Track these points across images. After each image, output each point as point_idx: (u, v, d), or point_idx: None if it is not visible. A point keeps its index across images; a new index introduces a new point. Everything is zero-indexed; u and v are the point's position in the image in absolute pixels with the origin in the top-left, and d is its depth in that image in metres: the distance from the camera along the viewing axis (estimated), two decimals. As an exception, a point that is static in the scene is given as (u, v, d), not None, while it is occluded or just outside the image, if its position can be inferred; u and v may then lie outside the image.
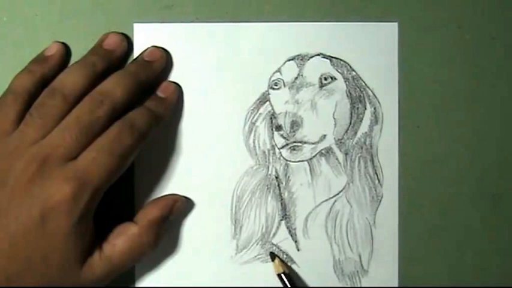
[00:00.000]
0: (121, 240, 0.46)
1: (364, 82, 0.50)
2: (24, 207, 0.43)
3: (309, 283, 0.50)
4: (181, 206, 0.49)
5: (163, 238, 0.48)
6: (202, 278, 0.50)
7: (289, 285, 0.48)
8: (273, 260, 0.50)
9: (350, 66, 0.50)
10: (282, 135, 0.50)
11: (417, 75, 0.51)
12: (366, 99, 0.50)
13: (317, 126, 0.50)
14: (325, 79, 0.50)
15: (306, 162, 0.50)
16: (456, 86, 0.51)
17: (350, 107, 0.50)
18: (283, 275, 0.49)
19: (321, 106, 0.50)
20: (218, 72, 0.50)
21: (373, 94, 0.50)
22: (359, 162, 0.50)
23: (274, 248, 0.50)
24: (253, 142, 0.50)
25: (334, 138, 0.50)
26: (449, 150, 0.51)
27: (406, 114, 0.51)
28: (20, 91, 0.46)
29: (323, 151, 0.50)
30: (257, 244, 0.50)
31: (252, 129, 0.50)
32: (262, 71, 0.50)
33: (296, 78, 0.50)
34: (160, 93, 0.49)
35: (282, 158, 0.50)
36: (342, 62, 0.50)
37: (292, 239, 0.50)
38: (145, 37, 0.50)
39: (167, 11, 0.50)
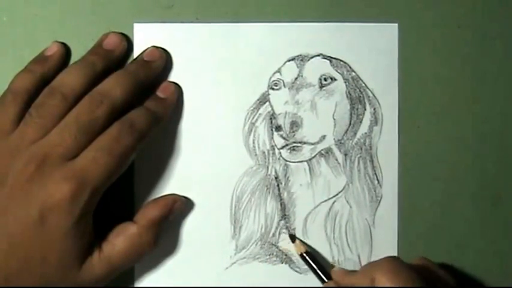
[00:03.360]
0: (120, 240, 0.46)
1: (364, 83, 0.50)
2: (23, 207, 0.43)
3: (308, 283, 0.50)
4: (181, 206, 0.49)
5: (163, 238, 0.49)
6: (202, 278, 0.50)
7: (313, 264, 0.48)
8: (293, 241, 0.50)
9: (350, 67, 0.50)
10: (281, 136, 0.50)
11: (417, 75, 0.51)
12: (366, 100, 0.50)
13: (317, 126, 0.50)
14: (325, 80, 0.50)
15: (305, 163, 0.50)
16: (456, 86, 0.51)
17: (350, 107, 0.50)
18: (305, 254, 0.49)
19: (320, 107, 0.50)
20: (218, 72, 0.50)
21: (373, 95, 0.50)
22: (358, 162, 0.50)
23: (273, 248, 0.50)
24: (253, 142, 0.50)
25: (334, 139, 0.50)
26: (449, 150, 0.51)
27: (406, 114, 0.51)
28: (19, 91, 0.46)
29: (323, 152, 0.50)
30: (256, 244, 0.50)
31: (251, 130, 0.50)
32: (262, 71, 0.50)
33: (296, 78, 0.50)
34: (160, 93, 0.49)
35: (281, 159, 0.50)
36: (341, 63, 0.50)
37: (292, 240, 0.50)
38: (145, 37, 0.50)
39: (167, 11, 0.50)
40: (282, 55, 0.50)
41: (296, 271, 0.50)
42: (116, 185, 0.45)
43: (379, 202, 0.50)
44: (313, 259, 0.49)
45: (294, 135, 0.50)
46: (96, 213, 0.45)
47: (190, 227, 0.50)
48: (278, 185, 0.50)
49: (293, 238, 0.50)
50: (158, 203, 0.48)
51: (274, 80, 0.50)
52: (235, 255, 0.50)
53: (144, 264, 0.50)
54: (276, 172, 0.50)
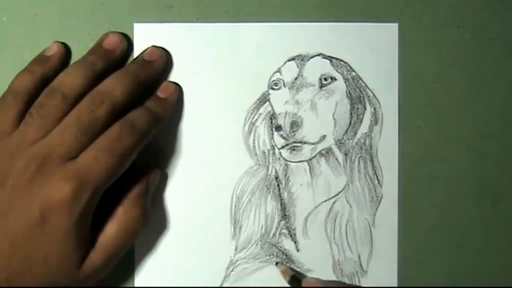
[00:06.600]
0: (110, 225, 0.46)
1: (364, 82, 0.50)
2: (24, 207, 0.43)
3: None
4: (157, 176, 0.49)
5: (163, 238, 0.49)
6: (202, 278, 0.50)
7: None
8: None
9: (350, 67, 0.50)
10: (281, 136, 0.50)
11: (417, 75, 0.51)
12: (366, 100, 0.50)
13: (317, 126, 0.50)
14: (325, 79, 0.50)
15: (305, 163, 0.50)
16: (456, 86, 0.51)
17: (350, 107, 0.50)
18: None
19: (320, 106, 0.50)
20: (218, 72, 0.50)
21: (373, 94, 0.50)
22: (359, 162, 0.50)
23: (273, 248, 0.50)
24: (253, 142, 0.50)
25: (334, 139, 0.50)
26: (449, 150, 0.51)
27: (406, 114, 0.51)
28: (20, 91, 0.46)
29: (323, 151, 0.50)
30: (256, 244, 0.50)
31: (251, 130, 0.50)
32: (262, 71, 0.50)
33: (296, 78, 0.50)
34: (160, 93, 0.49)
35: (281, 158, 0.50)
36: (342, 63, 0.50)
37: (292, 240, 0.50)
38: (145, 37, 0.50)
39: (167, 11, 0.50)
40: (282, 55, 0.50)
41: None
42: (115, 185, 0.45)
43: (379, 202, 0.50)
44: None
45: (294, 135, 0.50)
46: (96, 213, 0.45)
47: (190, 227, 0.50)
48: (278, 185, 0.50)
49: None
50: (136, 181, 0.48)
51: (274, 80, 0.50)
52: (235, 256, 0.50)
53: (144, 264, 0.50)
54: (276, 172, 0.50)
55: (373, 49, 0.50)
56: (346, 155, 0.50)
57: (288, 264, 0.50)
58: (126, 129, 0.45)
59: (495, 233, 0.51)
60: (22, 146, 0.44)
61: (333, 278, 0.50)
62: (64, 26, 0.50)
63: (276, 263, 0.50)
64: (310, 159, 0.50)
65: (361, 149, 0.50)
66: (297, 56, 0.50)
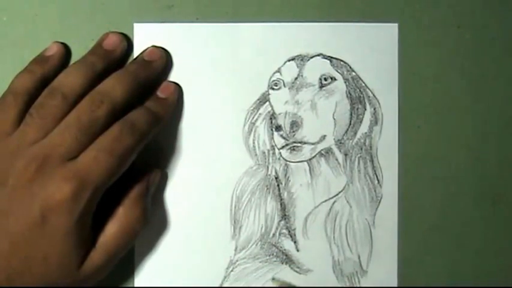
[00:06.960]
0: (110, 225, 0.46)
1: (364, 83, 0.50)
2: (24, 207, 0.43)
3: (308, 284, 0.50)
4: (157, 176, 0.49)
5: (163, 238, 0.49)
6: (202, 278, 0.50)
7: None
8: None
9: (350, 67, 0.50)
10: (281, 136, 0.50)
11: (417, 75, 0.51)
12: (366, 100, 0.50)
13: (317, 126, 0.50)
14: (325, 79, 0.50)
15: (305, 163, 0.50)
16: (456, 86, 0.51)
17: (350, 107, 0.50)
18: None
19: (320, 106, 0.50)
20: (218, 72, 0.50)
21: (373, 95, 0.50)
22: (359, 162, 0.50)
23: (273, 248, 0.50)
24: (253, 142, 0.50)
25: (334, 139, 0.50)
26: (449, 150, 0.51)
27: (406, 114, 0.51)
28: (20, 91, 0.46)
29: (323, 151, 0.50)
30: (256, 244, 0.50)
31: (251, 130, 0.50)
32: (262, 71, 0.50)
33: (296, 78, 0.50)
34: (160, 93, 0.49)
35: (281, 159, 0.50)
36: (342, 63, 0.50)
37: (292, 240, 0.50)
38: (145, 37, 0.50)
39: (167, 11, 0.50)
40: (282, 55, 0.50)
41: (296, 271, 0.50)
42: (115, 185, 0.45)
43: (379, 202, 0.50)
44: None
45: (294, 135, 0.50)
46: (96, 213, 0.45)
47: (190, 227, 0.50)
48: (278, 185, 0.50)
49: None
50: (136, 181, 0.48)
51: (274, 80, 0.50)
52: (235, 256, 0.50)
53: (144, 264, 0.50)
54: (276, 172, 0.50)
55: (373, 49, 0.50)
56: (346, 155, 0.50)
57: (288, 265, 0.50)
58: (126, 129, 0.45)
59: (495, 233, 0.51)
60: (22, 146, 0.44)
61: (332, 278, 0.50)
62: (64, 26, 0.50)
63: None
64: (310, 159, 0.50)
65: (361, 149, 0.50)
66: (297, 56, 0.50)
